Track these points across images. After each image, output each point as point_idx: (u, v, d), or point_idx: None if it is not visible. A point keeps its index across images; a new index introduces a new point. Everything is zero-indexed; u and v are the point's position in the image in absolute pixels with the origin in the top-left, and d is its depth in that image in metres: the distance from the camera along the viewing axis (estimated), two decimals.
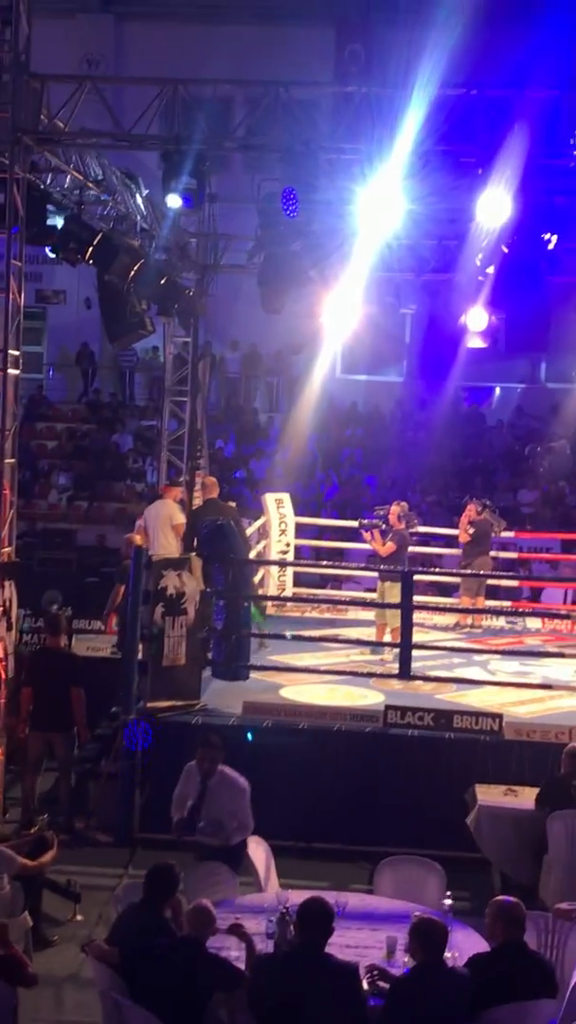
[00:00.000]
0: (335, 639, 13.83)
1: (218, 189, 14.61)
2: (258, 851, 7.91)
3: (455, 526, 15.78)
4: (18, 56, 10.84)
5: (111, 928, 6.76)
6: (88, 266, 12.51)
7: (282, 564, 15.95)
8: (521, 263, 12.58)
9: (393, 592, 12.43)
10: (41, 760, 10.50)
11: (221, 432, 23.33)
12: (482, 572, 14.71)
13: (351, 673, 12.30)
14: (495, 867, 9.33)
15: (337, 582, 17.86)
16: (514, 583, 17.00)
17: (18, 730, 10.51)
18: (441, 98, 11.16)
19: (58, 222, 11.77)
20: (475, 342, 15.43)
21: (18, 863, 7.94)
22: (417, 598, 12.56)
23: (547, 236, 12.27)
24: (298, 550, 16.83)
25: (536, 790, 9.06)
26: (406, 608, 11.56)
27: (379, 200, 11.75)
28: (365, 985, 5.94)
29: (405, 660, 11.38)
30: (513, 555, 17.39)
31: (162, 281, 13.42)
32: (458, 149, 11.27)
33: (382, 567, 13.35)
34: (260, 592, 14.83)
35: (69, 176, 12.20)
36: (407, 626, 11.46)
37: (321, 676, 12.16)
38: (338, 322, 16.06)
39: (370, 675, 12.14)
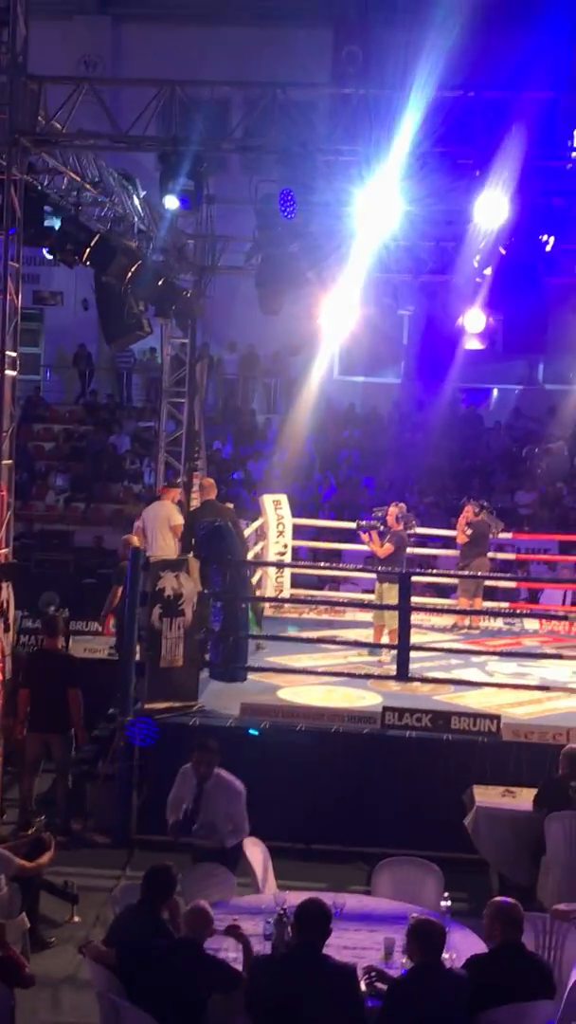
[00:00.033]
0: (333, 640, 13.84)
1: (216, 190, 14.60)
2: (256, 852, 7.90)
3: (453, 527, 15.78)
4: (15, 57, 10.84)
5: (109, 929, 6.75)
6: (85, 267, 12.51)
7: (280, 565, 15.95)
8: (519, 264, 12.59)
9: (391, 593, 12.42)
10: (39, 761, 10.49)
11: (219, 433, 23.34)
12: (480, 573, 14.72)
13: (349, 674, 12.29)
14: (493, 868, 9.32)
15: (335, 583, 17.88)
16: (512, 584, 17.01)
17: (16, 731, 10.50)
18: (439, 99, 11.16)
19: (55, 223, 11.75)
20: (473, 343, 15.44)
21: (15, 864, 7.94)
22: (415, 599, 12.54)
23: (545, 238, 12.29)
24: (296, 551, 16.84)
25: (534, 791, 9.06)
26: (404, 609, 11.55)
27: (377, 201, 11.76)
28: (363, 986, 5.94)
29: (403, 661, 11.37)
30: (511, 556, 17.41)
31: (159, 282, 13.42)
32: (456, 151, 11.27)
33: (380, 568, 13.35)
34: (258, 593, 14.83)
35: (66, 177, 12.20)
36: (405, 627, 11.45)
37: (319, 677, 12.16)
38: (336, 323, 16.06)
39: (368, 676, 12.14)
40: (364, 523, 13.53)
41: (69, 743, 10.45)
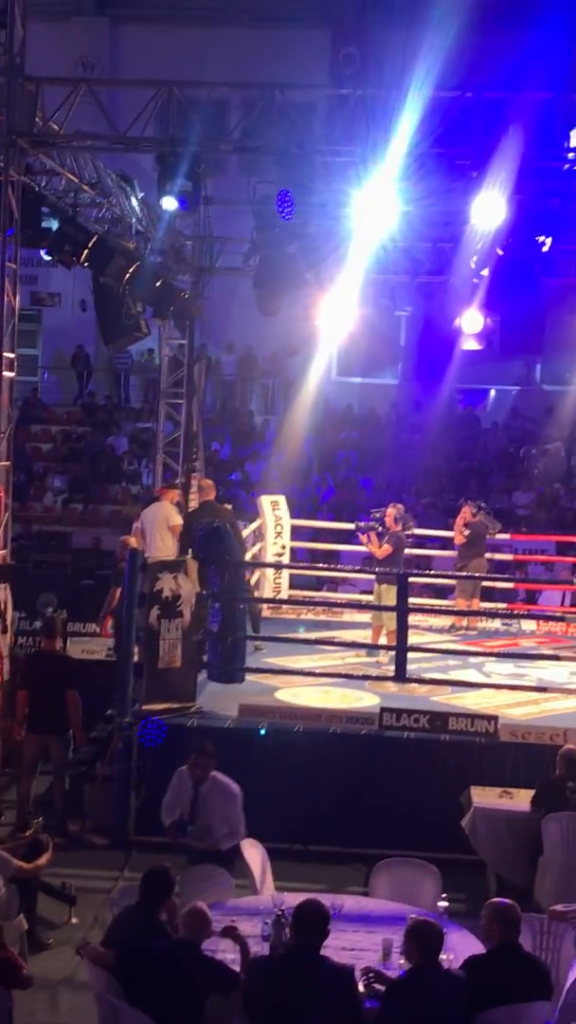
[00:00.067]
0: (331, 641, 13.84)
1: (214, 191, 14.61)
2: (254, 853, 7.89)
3: (450, 528, 15.79)
4: (13, 59, 10.86)
5: (107, 931, 6.76)
6: (83, 269, 12.52)
7: (278, 566, 15.95)
8: (516, 265, 12.59)
9: (389, 594, 12.43)
10: (36, 763, 10.48)
11: (217, 434, 23.34)
12: (478, 574, 14.73)
13: (347, 675, 12.29)
14: (490, 869, 9.32)
15: (333, 584, 17.88)
16: (509, 585, 17.01)
17: (14, 733, 10.50)
18: (436, 100, 11.18)
19: (53, 225, 11.77)
20: (470, 344, 15.45)
21: (13, 866, 7.94)
22: (413, 600, 12.56)
23: (542, 238, 12.29)
24: (294, 552, 16.84)
25: (531, 792, 9.06)
26: (402, 610, 11.55)
27: (374, 202, 11.77)
28: (361, 987, 5.94)
29: (401, 662, 11.37)
30: (508, 557, 17.41)
31: (157, 283, 13.42)
32: (453, 151, 11.29)
33: (378, 569, 13.35)
34: (256, 594, 14.83)
35: (64, 179, 12.20)
36: (403, 628, 11.45)
37: (317, 678, 12.17)
38: (333, 324, 16.06)
39: (366, 677, 12.13)
40: (362, 524, 13.54)
41: (67, 744, 10.44)
